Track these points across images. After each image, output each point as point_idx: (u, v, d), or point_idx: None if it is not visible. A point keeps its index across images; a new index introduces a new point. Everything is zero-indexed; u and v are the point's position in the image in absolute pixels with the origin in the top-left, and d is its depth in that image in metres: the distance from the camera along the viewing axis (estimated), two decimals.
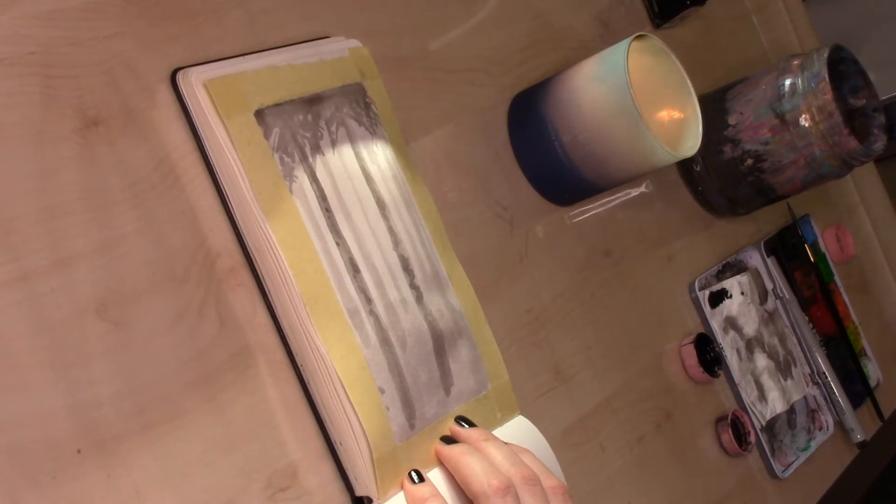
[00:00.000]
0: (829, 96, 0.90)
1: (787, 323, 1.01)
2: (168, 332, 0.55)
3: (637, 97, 0.74)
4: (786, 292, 1.02)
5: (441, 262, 0.68)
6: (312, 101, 0.63)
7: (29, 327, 0.50)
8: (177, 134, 0.59)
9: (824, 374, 1.02)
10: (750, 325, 0.96)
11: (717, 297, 0.94)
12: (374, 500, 0.59)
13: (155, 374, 0.54)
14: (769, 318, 0.99)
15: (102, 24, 0.57)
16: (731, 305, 0.95)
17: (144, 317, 0.54)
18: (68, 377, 0.50)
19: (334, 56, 0.66)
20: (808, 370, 1.01)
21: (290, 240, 0.59)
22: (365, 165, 0.65)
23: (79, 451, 0.50)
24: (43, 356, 0.50)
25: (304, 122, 0.62)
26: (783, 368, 0.98)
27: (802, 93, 0.91)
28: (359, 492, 0.60)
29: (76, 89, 0.55)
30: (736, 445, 0.89)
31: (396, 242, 0.65)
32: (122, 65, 0.57)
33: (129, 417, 0.52)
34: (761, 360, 0.96)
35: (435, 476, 0.62)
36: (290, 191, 0.60)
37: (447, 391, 0.64)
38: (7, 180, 0.51)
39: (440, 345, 0.65)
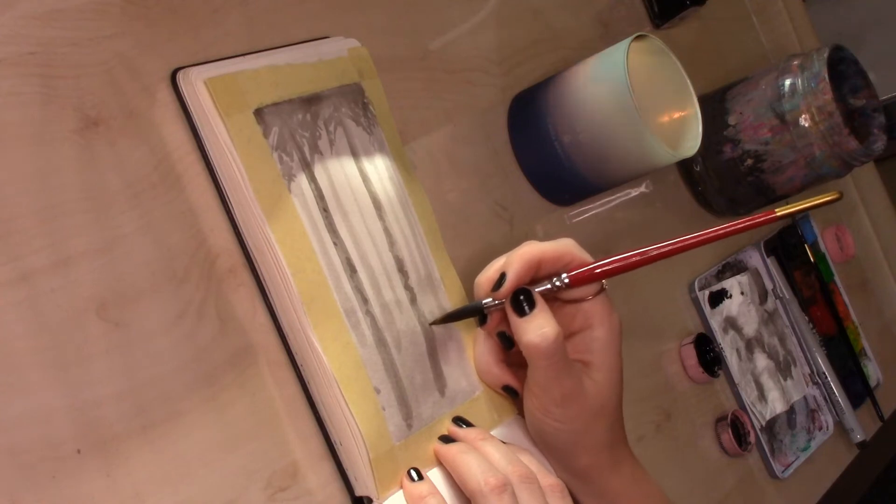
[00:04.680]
0: (829, 96, 0.90)
1: (787, 323, 1.01)
2: (168, 332, 0.55)
3: (637, 97, 0.74)
4: (786, 292, 1.02)
5: (434, 263, 0.68)
6: (311, 101, 0.63)
7: (29, 327, 0.50)
8: (177, 134, 0.59)
9: (824, 374, 1.02)
10: (750, 325, 0.96)
11: (717, 297, 0.94)
12: (374, 499, 0.59)
13: (155, 374, 0.54)
14: (769, 318, 0.99)
15: (102, 24, 0.57)
16: (731, 305, 0.95)
17: (144, 317, 0.54)
18: (68, 377, 0.50)
19: (333, 56, 0.66)
20: (808, 370, 1.01)
21: (288, 239, 0.59)
22: (362, 166, 0.65)
23: (79, 451, 0.50)
24: (43, 356, 0.50)
25: (302, 121, 0.62)
26: (783, 368, 0.98)
27: (802, 93, 0.91)
28: (358, 491, 0.60)
29: (76, 89, 0.55)
30: (736, 445, 0.89)
31: (392, 243, 0.65)
32: (122, 65, 0.57)
33: (129, 417, 0.52)
34: (761, 360, 0.96)
35: (434, 475, 0.62)
36: (289, 190, 0.60)
37: (441, 392, 0.64)
38: (7, 180, 0.51)
39: (433, 347, 0.65)
